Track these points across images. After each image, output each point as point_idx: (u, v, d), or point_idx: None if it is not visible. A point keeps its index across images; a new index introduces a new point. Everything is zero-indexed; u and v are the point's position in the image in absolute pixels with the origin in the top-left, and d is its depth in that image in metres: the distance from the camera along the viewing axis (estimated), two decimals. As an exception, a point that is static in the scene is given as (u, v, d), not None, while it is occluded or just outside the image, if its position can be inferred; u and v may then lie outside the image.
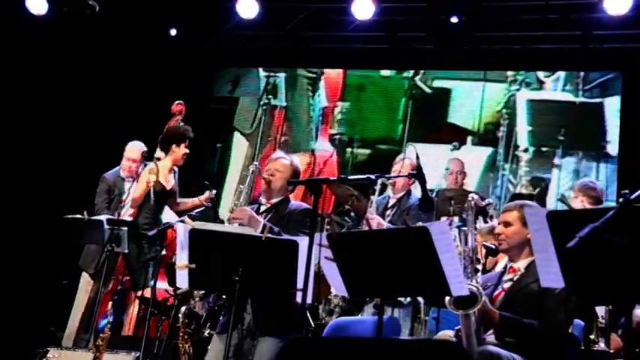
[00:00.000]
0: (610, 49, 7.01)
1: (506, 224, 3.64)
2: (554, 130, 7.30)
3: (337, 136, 7.97)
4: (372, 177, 3.50)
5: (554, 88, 7.44)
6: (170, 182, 5.52)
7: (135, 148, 5.78)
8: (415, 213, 4.95)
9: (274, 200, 4.00)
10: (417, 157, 4.23)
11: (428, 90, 7.80)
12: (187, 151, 5.54)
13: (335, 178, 3.41)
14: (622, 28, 6.72)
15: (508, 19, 7.03)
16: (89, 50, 7.42)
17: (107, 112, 7.45)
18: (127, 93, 7.56)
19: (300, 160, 4.16)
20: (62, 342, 5.35)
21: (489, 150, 7.45)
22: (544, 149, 7.29)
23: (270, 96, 8.27)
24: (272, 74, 8.29)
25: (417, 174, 4.02)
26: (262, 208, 4.01)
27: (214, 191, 5.37)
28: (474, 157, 7.44)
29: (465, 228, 3.70)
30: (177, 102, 5.90)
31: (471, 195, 3.80)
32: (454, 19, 6.82)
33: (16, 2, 7.05)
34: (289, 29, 7.56)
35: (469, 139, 7.55)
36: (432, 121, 7.74)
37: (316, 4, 7.34)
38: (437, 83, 7.80)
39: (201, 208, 4.71)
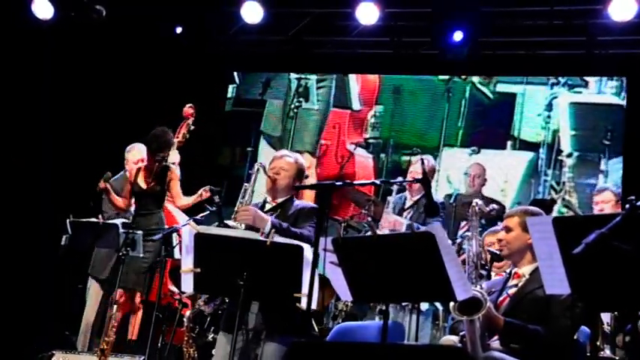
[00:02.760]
0: (615, 55, 7.00)
1: (508, 230, 3.64)
2: (600, 134, 7.08)
3: (372, 141, 7.83)
4: (377, 182, 3.51)
5: (598, 90, 7.21)
6: (149, 183, 5.51)
7: (142, 150, 5.79)
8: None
9: (279, 199, 3.97)
10: (422, 163, 4.23)
11: (475, 94, 7.61)
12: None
13: (340, 183, 3.40)
14: (627, 34, 6.72)
15: (512, 24, 7.03)
16: (94, 55, 7.44)
17: (112, 116, 7.46)
18: (131, 97, 7.57)
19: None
20: (77, 346, 5.36)
21: (530, 155, 7.25)
22: (589, 154, 7.08)
23: (301, 99, 8.21)
24: (303, 76, 8.21)
25: (422, 179, 4.02)
26: (267, 207, 3.97)
27: (210, 193, 5.27)
28: (514, 162, 7.23)
29: (468, 233, 3.70)
30: (188, 105, 5.81)
31: (475, 200, 3.80)
32: (458, 35, 6.77)
33: (22, 7, 7.08)
34: (294, 34, 7.57)
35: (508, 143, 7.35)
36: (471, 125, 7.56)
37: (320, 9, 7.36)
38: (480, 87, 7.62)
39: (207, 212, 4.70)
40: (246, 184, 3.99)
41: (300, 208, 3.90)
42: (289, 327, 3.62)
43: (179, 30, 7.45)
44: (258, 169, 3.99)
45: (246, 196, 3.93)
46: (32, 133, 7.28)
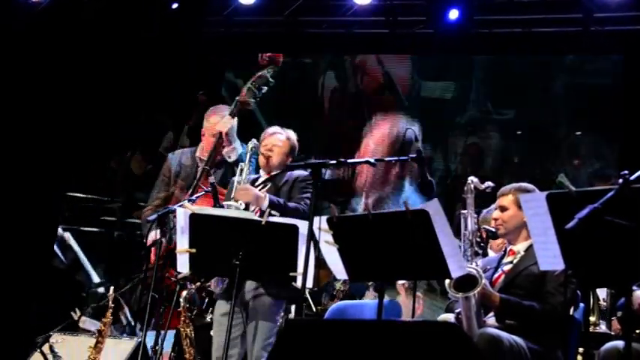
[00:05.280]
0: (612, 32, 6.94)
1: (503, 209, 3.65)
2: (597, 114, 7.01)
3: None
4: (372, 160, 3.50)
5: (595, 71, 7.22)
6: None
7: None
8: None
9: (273, 173, 4.07)
10: (416, 140, 4.24)
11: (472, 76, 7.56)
12: None
13: (334, 162, 3.41)
14: (624, 10, 6.66)
15: (508, 2, 6.97)
16: (83, 40, 7.36)
17: (100, 103, 7.40)
18: (124, 82, 7.51)
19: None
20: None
21: (527, 136, 7.21)
22: (586, 135, 7.04)
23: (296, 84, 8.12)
24: (299, 61, 8.10)
25: (417, 157, 4.02)
26: (260, 179, 4.06)
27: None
28: (510, 143, 7.20)
29: (464, 211, 3.70)
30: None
31: (470, 178, 3.80)
32: (454, 14, 6.71)
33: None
34: (288, 14, 7.51)
35: (504, 125, 7.31)
36: (466, 108, 7.48)
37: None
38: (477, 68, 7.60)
39: (201, 193, 4.69)
40: (241, 163, 4.08)
41: (296, 178, 3.95)
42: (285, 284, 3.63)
43: (175, 6, 7.35)
44: (252, 147, 4.04)
45: (243, 174, 4.01)
46: (29, 119, 7.24)
